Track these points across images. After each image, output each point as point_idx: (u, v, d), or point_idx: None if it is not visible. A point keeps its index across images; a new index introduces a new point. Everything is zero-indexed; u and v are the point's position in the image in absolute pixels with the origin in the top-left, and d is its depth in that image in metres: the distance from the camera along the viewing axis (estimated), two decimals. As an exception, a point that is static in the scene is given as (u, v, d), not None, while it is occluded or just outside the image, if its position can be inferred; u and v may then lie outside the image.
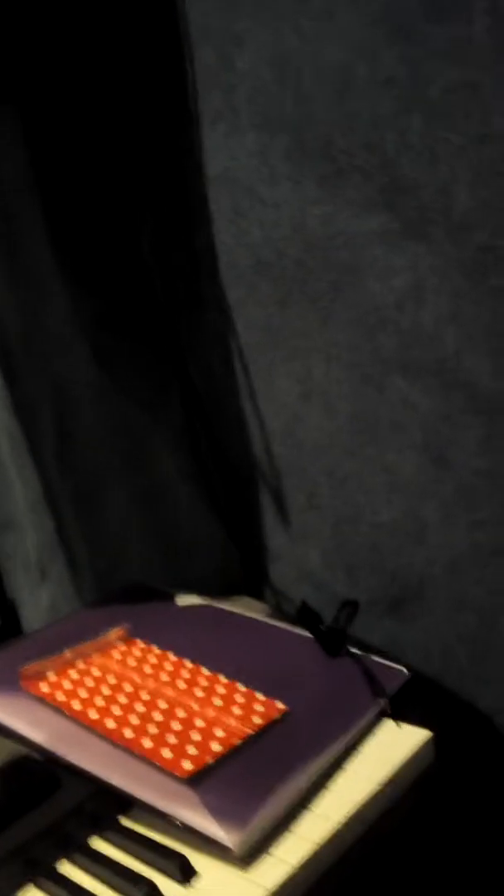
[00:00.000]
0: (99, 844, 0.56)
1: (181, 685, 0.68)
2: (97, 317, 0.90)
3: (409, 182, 0.67)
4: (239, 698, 0.66)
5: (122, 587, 0.88)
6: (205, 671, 0.69)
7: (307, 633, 0.75)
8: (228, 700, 0.66)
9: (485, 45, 0.60)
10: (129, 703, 0.65)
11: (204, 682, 0.68)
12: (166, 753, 0.59)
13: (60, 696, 0.66)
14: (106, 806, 0.58)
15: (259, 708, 0.65)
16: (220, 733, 0.61)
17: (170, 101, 0.83)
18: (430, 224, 0.66)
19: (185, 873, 0.52)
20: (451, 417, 0.67)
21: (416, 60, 0.64)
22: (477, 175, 0.63)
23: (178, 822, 0.55)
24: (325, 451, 0.77)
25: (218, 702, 0.65)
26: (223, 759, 0.59)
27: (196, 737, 0.61)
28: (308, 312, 0.76)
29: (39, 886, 0.53)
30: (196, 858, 0.54)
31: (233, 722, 0.63)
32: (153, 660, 0.71)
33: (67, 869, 0.54)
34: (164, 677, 0.69)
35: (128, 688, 0.67)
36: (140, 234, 0.90)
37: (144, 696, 0.66)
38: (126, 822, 0.57)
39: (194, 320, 0.88)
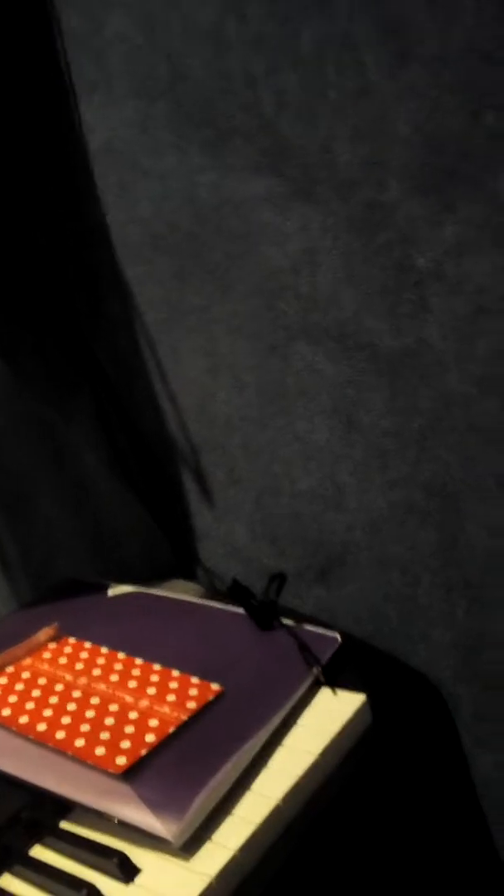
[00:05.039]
0: (40, 852, 0.55)
1: (114, 678, 0.66)
2: (-3, 310, 0.87)
3: (291, 142, 0.65)
4: (173, 685, 0.65)
5: (54, 584, 0.86)
6: (138, 661, 0.68)
7: (240, 610, 0.74)
8: (162, 688, 0.65)
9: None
10: (60, 703, 0.64)
11: (137, 673, 0.67)
12: (99, 751, 0.58)
13: (-10, 706, 0.64)
14: (44, 812, 0.57)
15: (193, 692, 0.64)
16: (154, 723, 0.61)
17: (43, 75, 0.79)
18: (315, 184, 0.64)
19: (125, 871, 0.52)
20: (356, 380, 0.66)
21: (285, 15, 0.62)
22: (356, 131, 0.61)
23: (114, 820, 0.54)
24: (237, 425, 0.76)
25: (152, 691, 0.64)
26: (159, 749, 0.58)
27: (130, 730, 0.60)
28: (206, 285, 0.74)
29: (-21, 904, 0.52)
30: (138, 853, 0.53)
31: (167, 709, 0.62)
32: (84, 655, 0.70)
33: (8, 882, 0.53)
34: (97, 672, 0.68)
35: (59, 688, 0.66)
36: (30, 218, 0.87)
37: (76, 694, 0.65)
38: (66, 825, 0.56)
39: (95, 303, 0.85)
